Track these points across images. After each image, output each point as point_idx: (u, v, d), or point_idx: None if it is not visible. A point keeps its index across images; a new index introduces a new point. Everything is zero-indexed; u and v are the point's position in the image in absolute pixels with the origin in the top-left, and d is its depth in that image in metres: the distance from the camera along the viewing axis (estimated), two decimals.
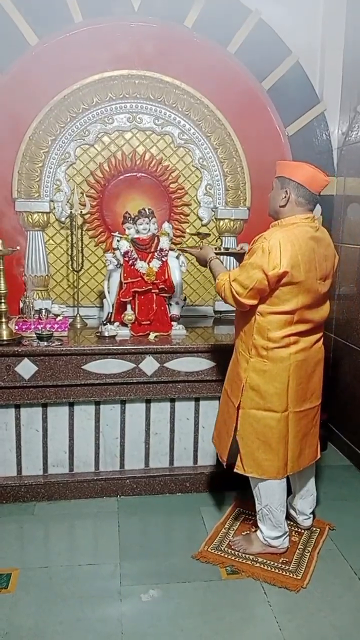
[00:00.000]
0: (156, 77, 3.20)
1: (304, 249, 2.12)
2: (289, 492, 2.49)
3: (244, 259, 2.27)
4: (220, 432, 2.44)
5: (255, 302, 2.16)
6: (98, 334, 2.89)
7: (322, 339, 2.35)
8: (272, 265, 2.06)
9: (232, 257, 2.83)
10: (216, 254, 2.48)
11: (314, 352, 2.29)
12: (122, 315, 2.90)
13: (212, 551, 2.42)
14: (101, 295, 3.27)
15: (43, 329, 2.78)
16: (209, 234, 3.20)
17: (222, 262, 2.46)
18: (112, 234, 3.02)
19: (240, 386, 2.27)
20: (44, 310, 2.93)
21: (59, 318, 2.94)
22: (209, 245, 2.59)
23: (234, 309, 2.31)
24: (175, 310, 3.00)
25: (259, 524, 2.40)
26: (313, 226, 2.20)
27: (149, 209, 2.92)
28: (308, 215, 2.21)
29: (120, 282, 2.90)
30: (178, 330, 2.97)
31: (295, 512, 2.58)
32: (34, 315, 2.98)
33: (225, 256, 2.54)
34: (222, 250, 2.52)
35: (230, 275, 2.21)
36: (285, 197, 2.20)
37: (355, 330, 3.25)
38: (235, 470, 2.35)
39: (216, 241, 3.39)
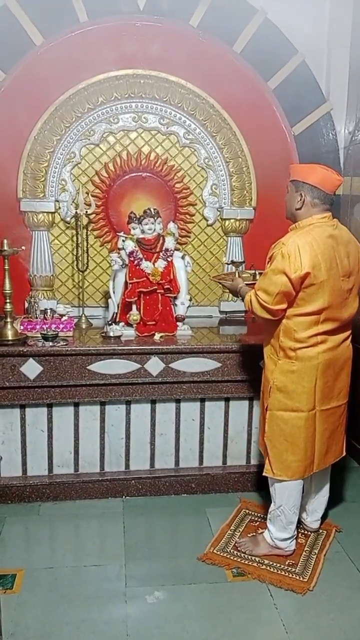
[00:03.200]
0: (161, 77, 3.19)
1: (323, 247, 2.13)
2: (302, 492, 2.47)
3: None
4: (263, 435, 2.43)
5: (284, 306, 2.17)
6: (103, 334, 2.88)
7: (350, 338, 2.35)
8: (294, 268, 2.08)
9: None
10: (247, 284, 2.51)
11: (342, 351, 2.30)
12: (128, 315, 2.89)
13: (218, 553, 2.40)
14: (106, 296, 3.26)
15: (48, 329, 2.78)
16: (244, 262, 3.23)
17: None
18: (118, 234, 3.01)
19: (268, 388, 2.29)
20: (49, 310, 2.94)
21: (64, 318, 2.93)
22: (239, 277, 2.66)
23: (246, 310, 2.32)
24: (180, 311, 2.99)
25: (269, 524, 2.39)
26: (330, 225, 2.22)
27: (154, 209, 2.91)
28: (324, 215, 2.23)
29: (126, 282, 2.89)
30: (183, 330, 2.96)
31: (306, 513, 2.57)
32: (39, 315, 2.97)
33: None
34: (252, 280, 2.58)
35: (255, 287, 2.25)
36: (300, 199, 2.22)
37: None
38: (264, 473, 2.35)
39: (250, 269, 3.38)
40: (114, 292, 2.95)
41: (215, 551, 2.41)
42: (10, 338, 2.68)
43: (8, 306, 2.71)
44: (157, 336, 2.85)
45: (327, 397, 2.29)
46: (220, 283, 2.75)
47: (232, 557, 2.37)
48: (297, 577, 2.26)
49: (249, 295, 2.26)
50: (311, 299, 2.14)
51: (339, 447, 2.43)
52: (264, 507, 2.43)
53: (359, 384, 3.27)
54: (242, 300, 2.42)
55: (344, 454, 2.48)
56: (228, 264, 3.09)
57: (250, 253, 3.40)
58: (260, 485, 2.42)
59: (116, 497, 2.84)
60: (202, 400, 2.87)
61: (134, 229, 2.91)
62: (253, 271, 2.79)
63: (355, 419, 3.34)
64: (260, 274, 2.61)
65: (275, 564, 2.33)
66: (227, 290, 2.67)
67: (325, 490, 2.55)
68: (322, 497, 2.54)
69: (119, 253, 2.93)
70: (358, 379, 3.29)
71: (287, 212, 2.33)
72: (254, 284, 2.44)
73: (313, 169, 2.23)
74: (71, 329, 2.90)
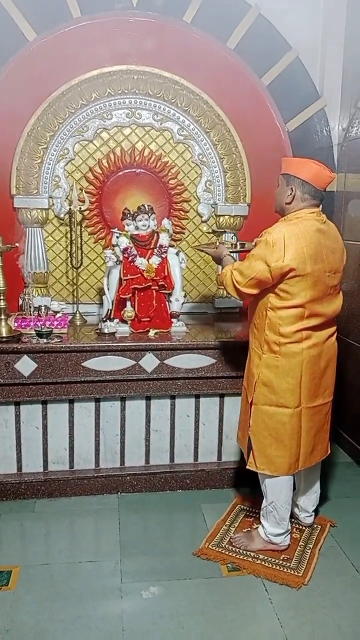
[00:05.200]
0: (155, 73, 3.18)
1: (309, 241, 2.13)
2: (294, 489, 2.48)
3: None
4: (244, 430, 2.43)
5: (254, 291, 2.21)
6: (98, 331, 2.87)
7: (335, 335, 2.35)
8: (275, 257, 2.09)
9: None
10: (231, 251, 2.57)
11: (327, 348, 2.30)
12: (122, 312, 2.89)
13: (213, 548, 2.41)
14: (101, 292, 3.26)
15: (42, 326, 2.77)
16: (225, 231, 3.32)
17: (234, 259, 2.52)
18: (112, 230, 3.00)
19: (253, 382, 2.29)
20: (43, 307, 2.93)
21: (58, 315, 2.93)
22: (224, 244, 2.71)
23: (241, 305, 2.35)
24: (175, 307, 2.99)
25: (262, 520, 2.40)
26: (319, 219, 2.21)
27: (148, 206, 2.91)
28: (314, 210, 2.22)
29: (120, 279, 2.89)
30: (178, 327, 2.96)
31: (298, 508, 2.57)
32: (33, 312, 2.97)
33: (239, 254, 2.71)
34: (239, 248, 2.64)
35: (234, 264, 2.30)
36: (291, 194, 2.21)
37: (357, 327, 3.24)
38: (247, 467, 2.35)
39: (231, 238, 3.40)
40: (108, 289, 2.94)
41: (210, 546, 2.42)
42: (4, 335, 2.68)
43: (2, 303, 2.70)
44: (151, 333, 2.85)
45: (313, 395, 2.28)
46: (203, 251, 2.82)
47: (227, 552, 2.38)
48: (292, 572, 2.27)
49: (228, 268, 2.30)
50: (296, 291, 2.14)
51: (324, 446, 2.43)
52: (258, 503, 2.44)
53: (353, 377, 3.30)
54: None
55: (329, 452, 2.48)
56: (209, 233, 3.14)
57: None
58: (256, 481, 2.42)
59: (111, 493, 2.84)
60: (197, 397, 2.88)
61: (128, 225, 2.90)
62: (235, 241, 2.84)
63: (350, 416, 3.36)
64: (243, 244, 2.75)
65: (270, 559, 2.34)
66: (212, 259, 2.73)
67: (316, 487, 2.55)
68: (312, 494, 2.55)
69: (113, 249, 2.92)
70: (349, 372, 3.32)
71: (276, 206, 2.32)
72: (238, 250, 2.55)
73: (305, 164, 2.21)
74: (65, 326, 2.89)
